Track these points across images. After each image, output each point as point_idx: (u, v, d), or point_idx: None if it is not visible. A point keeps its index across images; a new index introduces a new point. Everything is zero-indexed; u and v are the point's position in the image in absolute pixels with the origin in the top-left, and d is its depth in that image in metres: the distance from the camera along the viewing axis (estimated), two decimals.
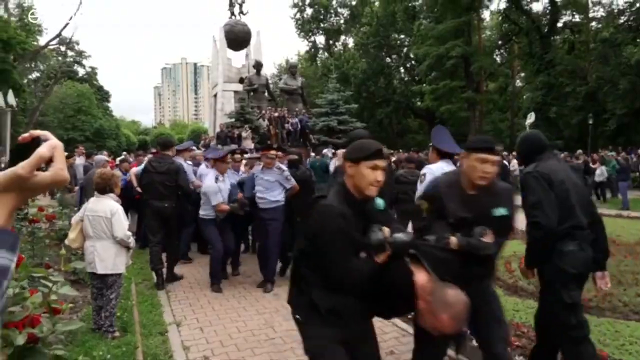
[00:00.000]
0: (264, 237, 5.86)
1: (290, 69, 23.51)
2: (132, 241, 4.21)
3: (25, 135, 0.83)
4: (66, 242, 4.35)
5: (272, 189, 5.76)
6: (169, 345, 4.10)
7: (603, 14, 29.13)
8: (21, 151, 0.80)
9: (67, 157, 9.75)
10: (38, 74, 39.43)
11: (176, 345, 4.11)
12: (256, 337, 4.28)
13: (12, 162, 0.80)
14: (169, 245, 6.16)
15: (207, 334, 4.40)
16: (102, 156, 10.69)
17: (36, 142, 0.82)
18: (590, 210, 2.91)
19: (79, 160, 10.69)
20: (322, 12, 43.52)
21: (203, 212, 5.86)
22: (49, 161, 0.81)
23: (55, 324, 1.32)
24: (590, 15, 29.95)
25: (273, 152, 5.98)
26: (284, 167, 5.94)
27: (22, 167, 0.78)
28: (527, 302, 4.86)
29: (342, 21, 44.38)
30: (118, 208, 4.14)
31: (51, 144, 0.82)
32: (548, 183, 2.78)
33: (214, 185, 5.70)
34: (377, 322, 4.58)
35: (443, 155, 3.65)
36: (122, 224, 4.11)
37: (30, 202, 9.47)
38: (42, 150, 0.80)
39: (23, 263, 1.40)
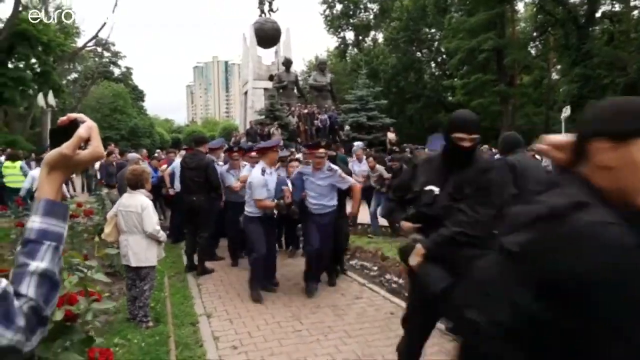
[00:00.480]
0: (316, 242, 5.25)
1: (320, 66, 23.55)
2: (161, 235, 4.37)
3: (64, 118, 0.97)
4: (102, 236, 4.56)
5: (326, 194, 5.24)
6: (200, 335, 4.24)
7: None
8: (60, 133, 0.93)
9: (107, 155, 10.14)
10: (76, 75, 40.85)
11: (206, 335, 4.25)
12: (283, 329, 4.37)
13: (53, 142, 0.93)
14: (200, 238, 6.34)
15: (236, 325, 4.52)
16: (135, 154, 11.04)
17: (74, 124, 0.95)
18: None
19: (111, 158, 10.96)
20: (352, 7, 43.32)
21: (248, 209, 5.42)
22: (87, 140, 0.95)
23: (90, 304, 1.43)
24: (632, 3, 28.76)
25: (322, 150, 5.23)
26: (335, 167, 5.36)
27: (66, 147, 0.92)
28: None
29: (371, 16, 44.05)
30: (148, 203, 4.31)
31: (88, 125, 0.96)
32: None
33: (260, 177, 5.22)
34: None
35: None
36: (152, 218, 4.27)
37: (69, 199, 9.88)
38: (81, 132, 0.94)
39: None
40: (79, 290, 1.47)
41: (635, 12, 28.81)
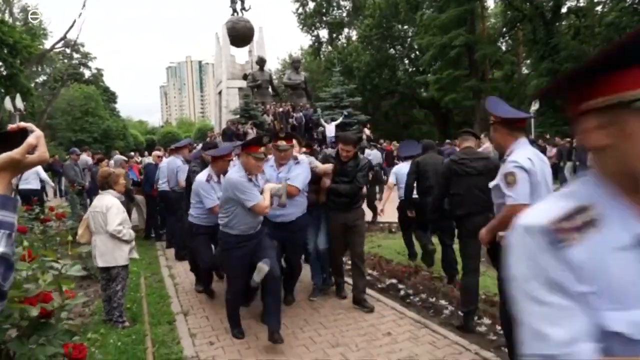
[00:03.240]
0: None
1: (294, 64, 23.61)
2: (125, 234, 4.36)
3: (14, 125, 1.10)
4: (77, 237, 4.58)
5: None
6: (177, 333, 4.31)
7: None
8: (8, 137, 1.06)
9: (100, 160, 10.07)
10: (45, 77, 39.86)
11: (183, 333, 4.31)
12: (259, 324, 4.45)
13: (1, 146, 1.06)
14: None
15: (213, 322, 4.60)
16: (120, 156, 11.00)
17: (24, 132, 1.08)
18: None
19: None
20: (325, 5, 43.37)
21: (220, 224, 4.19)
22: (34, 147, 1.08)
23: (64, 300, 1.50)
24: None
25: (284, 142, 4.45)
26: (302, 157, 4.72)
27: (17, 153, 1.05)
28: None
29: (344, 14, 44.23)
30: (114, 203, 4.37)
31: (37, 135, 1.09)
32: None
33: (205, 184, 4.83)
34: (375, 303, 4.76)
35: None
36: (113, 218, 4.30)
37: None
38: (31, 140, 1.07)
39: (35, 247, 1.57)
40: (53, 288, 1.54)
41: (599, 7, 29.72)
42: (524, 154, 2.79)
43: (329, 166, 4.81)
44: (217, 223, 4.24)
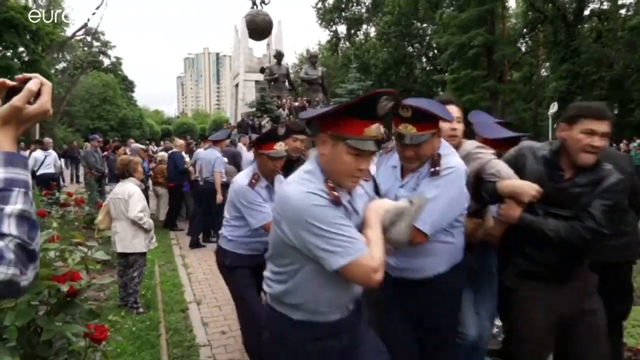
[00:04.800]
0: None
1: (311, 59, 23.57)
2: (145, 222, 4.44)
3: (20, 76, 1.02)
4: (96, 222, 4.69)
5: None
6: (190, 321, 4.37)
7: (632, 1, 28.31)
8: (17, 92, 0.99)
9: (117, 148, 10.26)
10: (65, 64, 40.42)
11: (196, 321, 4.38)
12: None
13: (7, 100, 0.99)
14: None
15: (225, 311, 4.65)
16: (137, 144, 11.09)
17: (29, 81, 1.01)
18: None
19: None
20: (344, 1, 43.24)
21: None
22: (37, 95, 1.00)
23: (91, 279, 1.55)
24: (620, 2, 29.13)
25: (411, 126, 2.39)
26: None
27: (16, 99, 0.97)
28: None
29: (363, 10, 44.05)
30: (135, 191, 4.46)
31: (38, 81, 1.00)
32: None
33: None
34: None
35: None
36: (136, 205, 4.38)
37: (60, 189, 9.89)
38: (30, 85, 0.99)
39: (63, 229, 1.62)
40: (81, 268, 1.59)
41: (623, 11, 29.20)
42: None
43: (522, 184, 2.21)
44: (266, 248, 2.11)
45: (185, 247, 7.45)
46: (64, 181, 16.28)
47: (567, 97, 27.69)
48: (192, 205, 8.65)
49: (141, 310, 4.53)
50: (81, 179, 16.59)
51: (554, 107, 22.03)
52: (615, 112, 23.24)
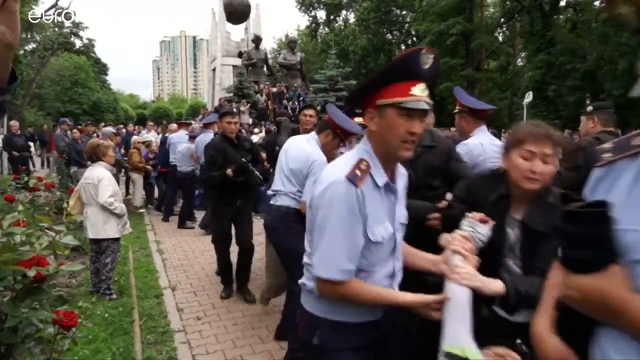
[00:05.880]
0: None
1: (290, 44, 23.34)
2: (117, 207, 4.36)
3: None
4: (68, 209, 4.58)
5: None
6: (164, 307, 4.34)
7: None
8: None
9: (79, 132, 10.00)
10: (34, 45, 39.01)
11: (171, 307, 4.35)
12: (247, 300, 4.51)
13: None
14: None
15: (200, 297, 4.64)
16: (109, 128, 10.85)
17: None
18: None
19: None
20: None
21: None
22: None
23: (59, 266, 1.51)
24: None
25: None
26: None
27: None
28: None
29: None
30: (105, 175, 4.36)
31: None
32: None
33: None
34: None
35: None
36: (105, 190, 4.29)
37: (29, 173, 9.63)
38: None
39: (29, 214, 1.58)
40: (49, 254, 1.54)
41: (597, 2, 29.69)
42: (477, 140, 3.01)
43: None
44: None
45: (160, 232, 7.37)
46: (34, 166, 15.85)
47: (542, 87, 28.23)
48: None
49: (114, 296, 4.46)
50: (52, 163, 16.17)
51: (528, 97, 22.40)
52: (587, 102, 23.77)
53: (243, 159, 4.40)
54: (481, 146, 2.97)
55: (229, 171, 4.28)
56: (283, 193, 3.37)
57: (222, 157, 4.43)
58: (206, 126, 7.51)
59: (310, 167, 3.20)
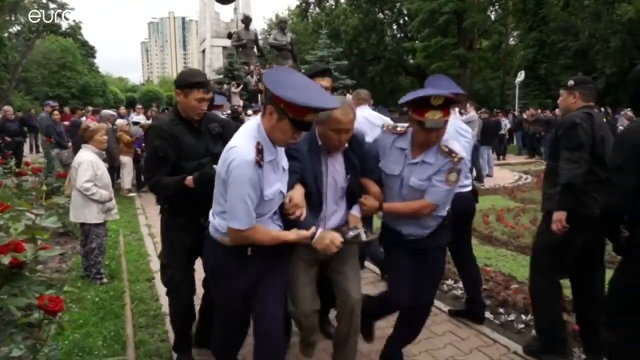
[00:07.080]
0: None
1: (280, 24, 22.97)
2: (94, 193, 4.24)
3: None
4: (62, 189, 4.59)
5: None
6: (156, 290, 4.31)
7: None
8: None
9: (72, 112, 9.83)
10: (19, 28, 38.17)
11: (162, 290, 4.27)
12: None
13: None
14: None
15: None
16: (109, 111, 10.65)
17: None
18: None
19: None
20: None
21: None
22: None
23: (37, 251, 1.46)
24: None
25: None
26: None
27: None
28: (499, 251, 5.30)
29: None
30: (86, 159, 4.26)
31: None
32: None
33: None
34: None
35: None
36: (83, 175, 4.20)
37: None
38: None
39: (8, 196, 1.53)
40: (26, 238, 1.49)
41: None
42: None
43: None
44: None
45: (152, 216, 7.30)
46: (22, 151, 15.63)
47: (534, 66, 28.15)
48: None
49: (105, 280, 4.43)
50: (40, 148, 15.96)
51: (521, 76, 22.37)
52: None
53: (210, 153, 2.69)
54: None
55: (189, 180, 2.61)
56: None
57: (175, 150, 2.67)
58: (215, 108, 7.03)
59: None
